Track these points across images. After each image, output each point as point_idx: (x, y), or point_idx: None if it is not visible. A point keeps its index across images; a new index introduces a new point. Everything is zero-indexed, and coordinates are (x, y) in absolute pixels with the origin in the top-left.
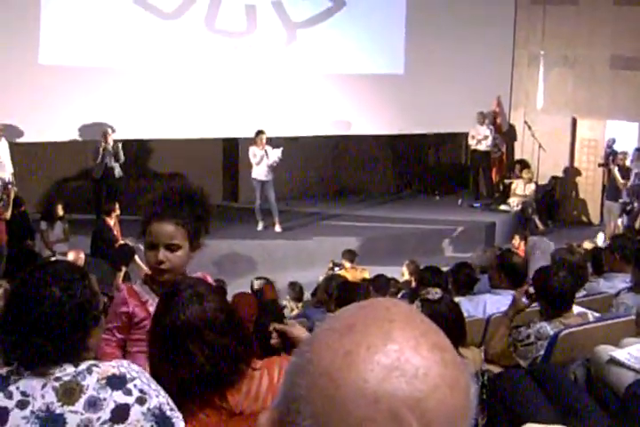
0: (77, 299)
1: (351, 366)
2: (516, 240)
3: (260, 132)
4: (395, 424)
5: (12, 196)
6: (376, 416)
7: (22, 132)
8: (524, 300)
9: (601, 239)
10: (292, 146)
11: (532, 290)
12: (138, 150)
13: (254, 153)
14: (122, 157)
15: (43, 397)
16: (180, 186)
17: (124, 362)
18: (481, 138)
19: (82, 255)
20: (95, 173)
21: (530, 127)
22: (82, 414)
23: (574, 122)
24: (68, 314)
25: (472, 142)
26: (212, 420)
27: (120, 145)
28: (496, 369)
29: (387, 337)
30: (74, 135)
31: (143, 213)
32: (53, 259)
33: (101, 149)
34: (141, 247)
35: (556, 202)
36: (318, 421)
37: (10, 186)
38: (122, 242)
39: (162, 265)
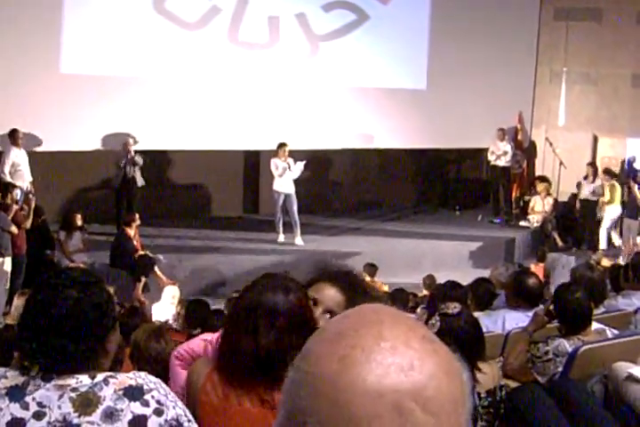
0: (95, 299)
1: (349, 369)
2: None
3: (282, 145)
4: (400, 417)
5: (33, 205)
6: (381, 412)
7: (42, 142)
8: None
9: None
10: (313, 159)
11: (552, 308)
12: (159, 161)
13: (277, 165)
14: (140, 162)
15: (59, 407)
16: (349, 269)
17: (142, 373)
18: (500, 153)
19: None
20: (116, 183)
21: (551, 144)
22: (98, 425)
23: (595, 139)
24: (86, 314)
25: (491, 158)
26: (255, 411)
27: (138, 156)
28: (514, 384)
29: (378, 337)
30: (94, 145)
31: (315, 270)
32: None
33: (122, 158)
34: (161, 258)
35: (575, 219)
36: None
37: (30, 195)
38: (141, 252)
39: None
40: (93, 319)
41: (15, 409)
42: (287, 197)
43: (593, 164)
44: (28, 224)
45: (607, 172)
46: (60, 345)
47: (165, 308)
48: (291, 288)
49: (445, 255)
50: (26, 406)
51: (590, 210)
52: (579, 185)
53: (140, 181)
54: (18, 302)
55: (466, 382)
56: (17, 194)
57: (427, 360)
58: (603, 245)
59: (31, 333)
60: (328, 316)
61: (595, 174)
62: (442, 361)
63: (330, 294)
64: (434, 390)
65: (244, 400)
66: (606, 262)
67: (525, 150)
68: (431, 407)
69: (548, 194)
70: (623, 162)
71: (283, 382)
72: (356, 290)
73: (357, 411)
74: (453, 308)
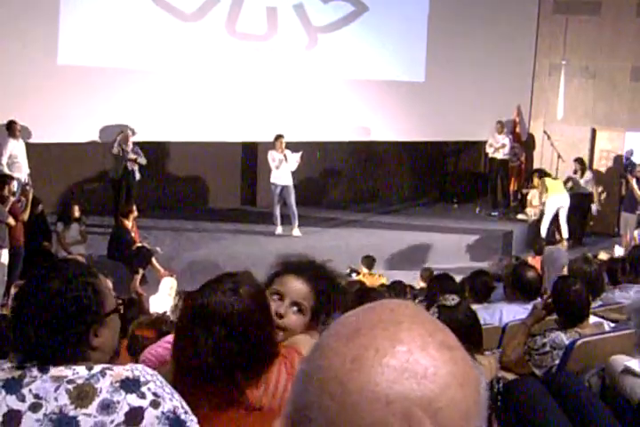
0: (76, 292)
1: (361, 371)
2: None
3: (278, 137)
4: (408, 426)
5: (30, 197)
6: (389, 419)
7: (40, 133)
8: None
9: (618, 251)
10: (310, 151)
11: (550, 301)
12: (156, 153)
13: (273, 157)
14: (144, 160)
15: (56, 399)
16: (311, 259)
17: (139, 366)
18: (498, 146)
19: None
20: (114, 174)
21: (549, 137)
22: (95, 416)
23: (594, 133)
24: (65, 306)
25: (489, 150)
26: (230, 413)
27: (142, 158)
28: (511, 377)
29: (394, 339)
30: (92, 137)
31: (278, 264)
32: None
33: (121, 151)
34: (158, 250)
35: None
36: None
37: (27, 187)
38: (139, 244)
39: (279, 319)
40: (71, 312)
41: (11, 401)
42: (285, 188)
43: (579, 159)
44: (26, 216)
45: (542, 174)
46: (36, 336)
47: (163, 299)
48: (238, 292)
49: (443, 248)
50: (22, 399)
51: (576, 204)
52: (567, 180)
53: (137, 175)
54: (15, 293)
55: (483, 392)
56: (14, 186)
57: (442, 369)
58: (565, 234)
59: (17, 324)
60: (295, 309)
61: (583, 169)
62: (458, 371)
63: (295, 286)
64: (446, 401)
65: (214, 404)
66: (604, 256)
67: (524, 143)
68: (441, 419)
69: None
70: (617, 157)
71: (250, 380)
72: (322, 279)
73: (364, 415)
74: (452, 299)
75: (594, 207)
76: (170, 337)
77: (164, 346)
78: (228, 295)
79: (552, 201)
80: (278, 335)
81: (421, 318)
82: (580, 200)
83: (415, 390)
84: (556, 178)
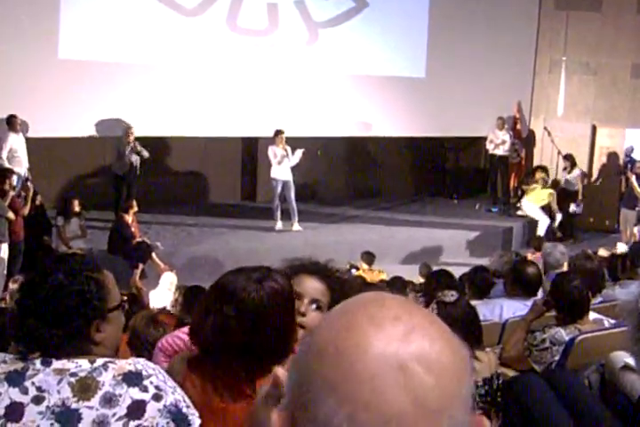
0: (79, 286)
1: (355, 334)
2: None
3: (278, 132)
4: (404, 376)
5: (31, 192)
6: (386, 370)
7: (40, 128)
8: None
9: (621, 248)
10: (311, 147)
11: (550, 297)
12: (156, 148)
13: (275, 153)
14: (146, 154)
15: (58, 392)
16: (315, 259)
17: (141, 360)
18: (499, 142)
19: None
20: (117, 169)
21: (549, 134)
22: (97, 409)
23: (594, 129)
24: (66, 299)
25: (490, 147)
26: (238, 405)
27: (145, 151)
28: (511, 373)
29: (382, 305)
30: (92, 131)
31: (290, 266)
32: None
33: (126, 145)
34: (158, 245)
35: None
36: (328, 387)
37: (28, 182)
38: (139, 239)
39: (301, 317)
40: (71, 306)
41: (14, 394)
42: (285, 184)
43: (568, 156)
44: (26, 211)
45: (544, 169)
46: (37, 328)
47: (163, 294)
48: (262, 284)
49: (443, 244)
50: (25, 391)
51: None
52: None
53: (139, 170)
54: (13, 287)
55: (467, 358)
56: (14, 180)
57: (429, 328)
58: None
59: (20, 316)
60: (314, 306)
61: (571, 166)
62: (444, 331)
63: (312, 284)
64: (436, 354)
65: (225, 396)
66: (604, 252)
67: (524, 140)
68: (434, 369)
69: (545, 184)
70: (612, 153)
71: (261, 371)
72: (333, 279)
73: (361, 369)
74: (450, 295)
75: (573, 206)
76: (187, 328)
77: (180, 336)
78: (250, 282)
79: (526, 204)
80: (298, 334)
81: (405, 300)
82: (565, 197)
83: (407, 347)
84: (545, 188)
